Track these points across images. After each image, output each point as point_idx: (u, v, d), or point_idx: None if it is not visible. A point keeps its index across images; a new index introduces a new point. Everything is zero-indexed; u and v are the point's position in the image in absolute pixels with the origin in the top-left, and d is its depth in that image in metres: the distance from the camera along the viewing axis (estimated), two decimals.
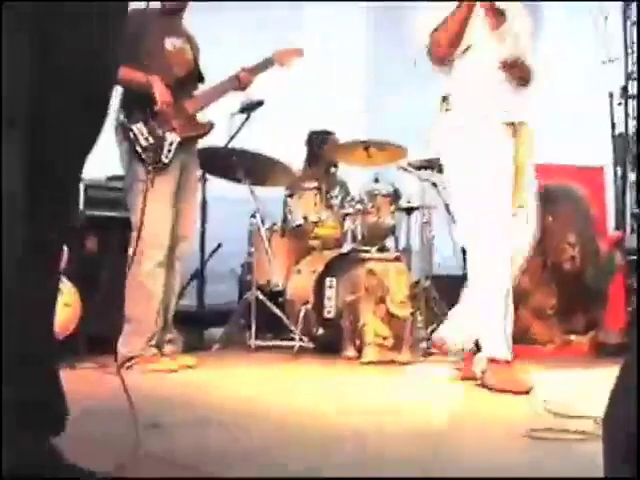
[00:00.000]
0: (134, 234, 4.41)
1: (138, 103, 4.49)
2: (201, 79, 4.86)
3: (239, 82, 4.83)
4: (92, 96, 2.01)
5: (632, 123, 7.38)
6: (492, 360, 3.77)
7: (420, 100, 8.08)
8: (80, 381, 3.67)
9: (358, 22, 8.82)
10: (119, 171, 4.67)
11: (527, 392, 3.51)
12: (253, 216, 5.71)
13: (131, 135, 4.46)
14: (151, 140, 4.49)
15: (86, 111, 2.01)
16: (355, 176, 6.64)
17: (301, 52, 5.07)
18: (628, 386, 1.28)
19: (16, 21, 1.77)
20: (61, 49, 1.90)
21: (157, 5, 4.69)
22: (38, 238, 1.85)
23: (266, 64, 4.92)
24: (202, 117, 4.78)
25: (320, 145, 6.48)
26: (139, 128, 4.48)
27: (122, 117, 4.47)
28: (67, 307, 4.27)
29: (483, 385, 3.75)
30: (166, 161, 4.51)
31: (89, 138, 2.07)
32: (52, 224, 1.99)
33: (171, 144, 4.56)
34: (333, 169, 6.49)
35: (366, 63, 8.92)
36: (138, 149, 4.46)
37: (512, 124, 3.91)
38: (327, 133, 6.58)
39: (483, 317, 3.85)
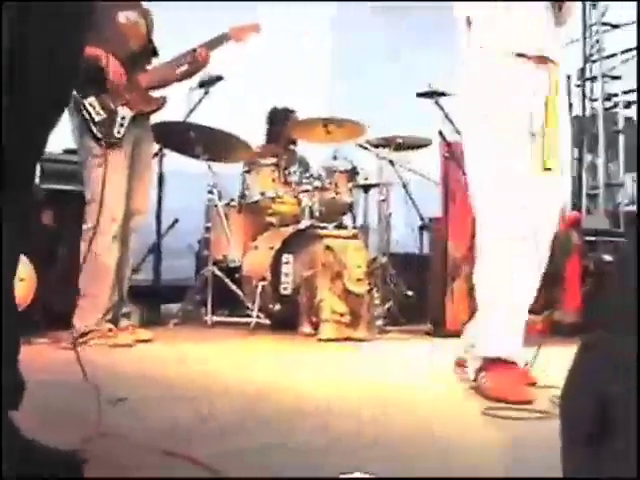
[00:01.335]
0: (88, 208, 4.38)
1: (90, 77, 4.42)
2: (155, 54, 4.80)
3: (195, 57, 4.78)
4: (59, 64, 2.00)
5: (589, 105, 7.47)
6: (488, 359, 3.11)
7: (383, 78, 8.19)
8: (36, 356, 3.64)
9: None
10: (74, 144, 4.63)
11: (529, 402, 2.83)
12: (210, 192, 5.70)
13: (83, 109, 4.41)
14: (103, 114, 4.44)
15: (53, 82, 1.99)
16: (314, 153, 6.63)
17: (258, 28, 5.02)
18: (585, 367, 1.29)
19: None
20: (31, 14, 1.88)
21: None
22: None
23: (222, 39, 4.87)
24: (156, 92, 4.75)
25: (280, 122, 6.47)
26: (91, 102, 4.43)
27: (74, 91, 4.42)
28: (22, 282, 4.24)
29: (476, 391, 3.08)
30: (118, 136, 4.47)
31: (55, 113, 2.06)
32: (12, 196, 1.97)
33: (123, 118, 4.51)
34: (292, 146, 6.48)
35: (331, 42, 8.90)
36: (90, 123, 4.41)
37: (546, 61, 3.21)
38: (288, 110, 6.57)
39: (479, 301, 3.22)
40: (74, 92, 4.38)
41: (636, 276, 1.20)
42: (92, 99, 4.44)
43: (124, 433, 2.22)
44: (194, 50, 4.78)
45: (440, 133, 5.43)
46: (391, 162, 5.89)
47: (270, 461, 2.06)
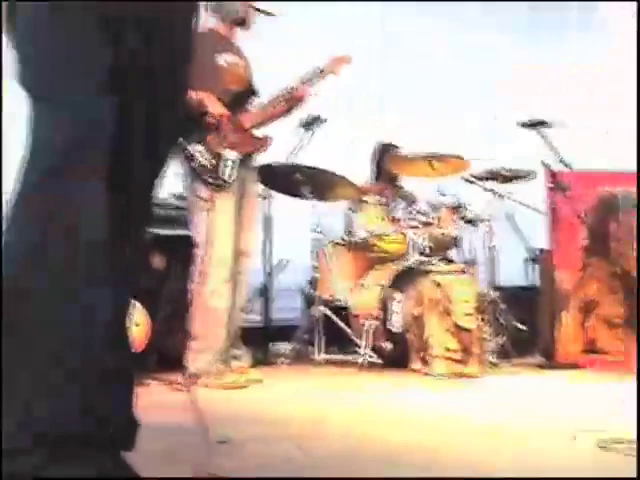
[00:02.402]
0: (197, 251, 4.45)
1: (193, 120, 4.51)
2: (254, 93, 4.87)
3: (293, 95, 4.82)
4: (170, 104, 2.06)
5: None
6: None
7: (484, 109, 8.14)
8: (149, 397, 3.71)
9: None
10: (181, 189, 4.72)
11: None
12: (317, 231, 5.74)
13: (190, 155, 4.50)
14: (210, 159, 4.52)
15: (164, 122, 2.05)
16: (419, 188, 6.62)
17: (349, 59, 5.03)
18: None
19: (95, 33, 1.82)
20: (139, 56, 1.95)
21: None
22: (114, 256, 1.89)
23: (316, 74, 4.88)
24: (260, 132, 4.81)
25: (384, 159, 6.48)
26: (197, 148, 4.52)
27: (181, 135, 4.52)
28: (137, 326, 4.34)
29: None
30: (226, 178, 4.54)
31: (163, 155, 2.12)
32: (129, 241, 2.03)
33: (230, 161, 4.58)
34: (397, 182, 6.48)
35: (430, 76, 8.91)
36: (198, 169, 4.49)
37: None
38: (391, 147, 6.57)
39: None
40: (181, 136, 4.49)
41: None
42: (197, 144, 4.53)
43: (232, 473, 2.24)
44: (292, 87, 4.83)
45: (544, 163, 5.37)
46: (497, 194, 5.83)
47: None
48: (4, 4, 1.90)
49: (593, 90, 7.57)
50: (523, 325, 5.66)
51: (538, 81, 8.28)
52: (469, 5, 8.46)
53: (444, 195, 5.80)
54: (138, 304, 4.34)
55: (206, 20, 4.76)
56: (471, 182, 5.83)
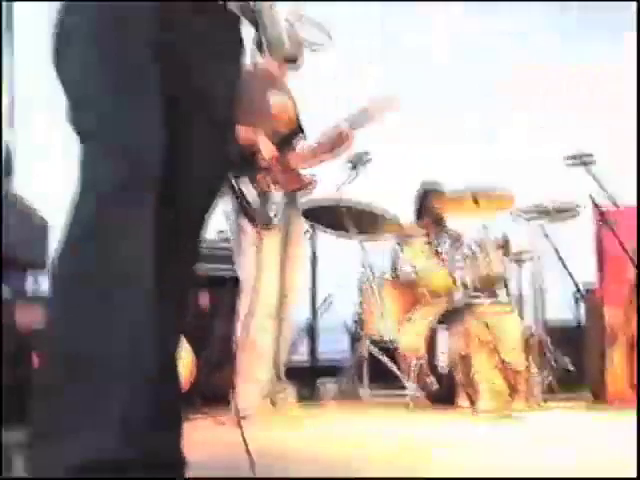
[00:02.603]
0: (242, 289, 4.48)
1: (244, 159, 4.56)
2: (302, 133, 4.92)
3: (340, 136, 4.85)
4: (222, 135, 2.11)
5: None
6: None
7: (529, 142, 8.11)
8: (196, 433, 3.72)
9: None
10: (228, 226, 4.76)
11: None
12: (363, 268, 5.74)
13: (238, 192, 4.54)
14: (257, 197, 4.56)
15: (210, 163, 2.10)
16: (465, 225, 6.60)
17: (397, 102, 5.04)
18: None
19: (150, 55, 1.87)
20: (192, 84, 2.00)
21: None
22: (163, 288, 1.91)
23: (364, 116, 4.91)
24: (305, 171, 4.84)
25: (429, 197, 6.48)
26: (245, 185, 4.56)
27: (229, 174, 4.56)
28: (183, 363, 4.36)
29: None
30: (273, 217, 4.57)
31: (215, 188, 2.15)
32: (178, 276, 2.07)
33: (277, 200, 4.61)
34: (442, 219, 6.48)
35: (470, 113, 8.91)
36: (245, 206, 4.53)
37: None
38: (435, 186, 6.57)
39: None
40: (229, 175, 4.53)
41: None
42: (246, 181, 4.57)
43: None
44: (339, 129, 4.86)
45: (592, 199, 5.34)
46: (543, 230, 5.80)
47: None
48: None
49: None
50: (571, 362, 5.61)
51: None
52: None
53: (489, 232, 5.78)
54: (184, 342, 4.37)
55: (257, 57, 4.81)
56: (516, 218, 5.81)
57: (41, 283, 4.69)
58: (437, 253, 5.76)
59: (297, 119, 4.92)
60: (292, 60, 4.89)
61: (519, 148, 8.03)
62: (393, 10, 8.08)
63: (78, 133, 1.87)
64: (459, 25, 8.40)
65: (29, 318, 3.82)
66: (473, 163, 7.76)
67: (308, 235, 5.70)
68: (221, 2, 2.10)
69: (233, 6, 2.14)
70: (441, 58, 8.41)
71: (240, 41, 2.22)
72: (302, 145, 4.91)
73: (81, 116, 1.89)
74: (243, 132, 4.48)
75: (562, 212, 5.89)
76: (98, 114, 1.84)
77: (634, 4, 6.96)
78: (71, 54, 1.92)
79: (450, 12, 8.38)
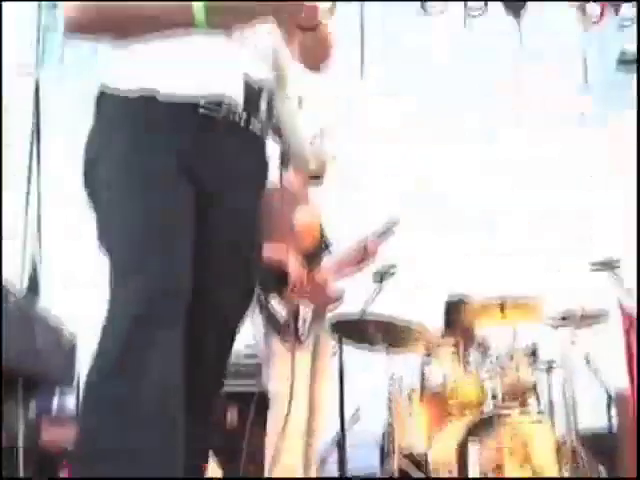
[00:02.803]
0: (271, 406, 4.45)
1: (271, 276, 4.60)
2: (327, 248, 4.96)
3: (366, 250, 4.90)
4: (243, 266, 2.15)
5: None
6: None
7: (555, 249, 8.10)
8: None
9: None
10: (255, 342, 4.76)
11: None
12: (391, 381, 5.71)
13: (266, 309, 4.56)
14: (286, 313, 4.57)
15: (237, 282, 2.14)
16: (492, 334, 6.58)
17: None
18: None
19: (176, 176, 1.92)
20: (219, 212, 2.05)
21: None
22: (190, 405, 1.93)
23: (390, 229, 4.97)
24: (333, 286, 4.87)
25: (457, 308, 6.48)
26: (273, 301, 4.58)
27: (257, 290, 4.58)
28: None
29: None
30: (302, 333, 4.59)
31: (240, 312, 2.19)
32: (205, 393, 2.09)
33: (305, 316, 4.63)
34: (470, 330, 6.46)
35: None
36: (275, 323, 4.55)
37: None
38: (462, 297, 6.58)
39: None
40: (258, 291, 4.56)
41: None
42: (275, 297, 4.59)
43: None
44: (364, 243, 4.90)
45: (619, 304, 5.32)
46: (572, 337, 5.77)
47: None
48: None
49: None
50: (605, 470, 5.50)
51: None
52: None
53: (518, 340, 5.76)
54: (213, 458, 4.34)
55: (281, 177, 4.88)
56: (544, 325, 5.79)
57: (68, 401, 4.70)
58: (466, 363, 5.74)
59: (322, 234, 4.98)
60: (316, 177, 4.97)
61: (547, 258, 8.02)
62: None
63: (110, 256, 1.92)
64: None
65: (55, 436, 3.83)
66: (500, 273, 7.73)
67: (336, 349, 5.69)
68: (244, 124, 2.17)
69: (257, 127, 2.20)
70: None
71: (265, 162, 2.28)
72: (329, 259, 4.94)
73: (111, 239, 1.94)
74: (270, 249, 4.51)
75: (590, 318, 5.86)
76: (129, 240, 1.90)
77: None
78: (101, 180, 1.99)
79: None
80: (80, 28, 2.09)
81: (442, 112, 8.18)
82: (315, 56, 2.34)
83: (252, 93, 2.16)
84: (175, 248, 1.90)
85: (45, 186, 6.90)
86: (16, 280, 6.13)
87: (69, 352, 4.61)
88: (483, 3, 8.18)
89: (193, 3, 1.98)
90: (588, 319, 5.84)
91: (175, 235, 1.91)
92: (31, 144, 6.91)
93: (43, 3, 7.23)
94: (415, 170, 7.53)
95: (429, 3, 8.06)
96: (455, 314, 6.50)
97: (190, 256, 1.92)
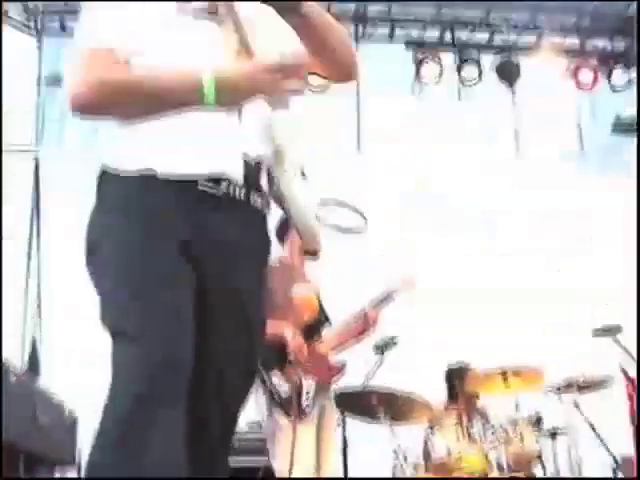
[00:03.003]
0: None
1: (272, 351, 4.59)
2: (328, 321, 4.96)
3: (366, 319, 4.89)
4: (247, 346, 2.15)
5: None
6: None
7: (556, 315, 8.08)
8: None
9: None
10: (258, 418, 4.74)
11: None
12: (395, 453, 5.65)
13: (269, 384, 4.55)
14: (289, 388, 4.56)
15: (239, 362, 2.14)
16: (496, 404, 6.54)
17: (413, 282, 5.10)
18: None
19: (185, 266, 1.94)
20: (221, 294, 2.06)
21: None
22: None
23: (389, 297, 4.97)
24: (335, 358, 4.86)
25: (458, 378, 6.45)
26: (276, 377, 4.57)
27: (259, 367, 4.57)
28: None
29: None
30: (306, 408, 4.57)
31: (244, 392, 2.19)
32: (214, 470, 2.08)
33: (308, 390, 4.62)
34: (474, 400, 6.42)
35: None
36: (276, 398, 4.53)
37: None
38: (464, 366, 6.55)
39: None
40: (259, 367, 4.54)
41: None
42: (277, 373, 4.58)
43: None
44: (363, 311, 4.91)
45: (623, 371, 5.31)
46: (575, 404, 5.74)
47: None
48: None
49: None
50: None
51: None
52: None
53: (521, 409, 5.73)
54: None
55: (278, 253, 4.91)
56: (547, 393, 5.77)
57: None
58: (470, 434, 5.69)
59: (321, 307, 4.98)
60: (313, 253, 4.98)
61: (547, 322, 8.01)
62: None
63: (111, 334, 1.93)
64: None
65: None
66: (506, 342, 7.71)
67: (340, 422, 5.66)
68: (245, 198, 2.17)
69: (258, 202, 2.21)
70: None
71: (267, 236, 2.29)
72: (329, 332, 4.94)
73: (113, 317, 1.95)
74: (270, 325, 4.51)
75: (593, 385, 5.84)
76: (130, 318, 1.91)
77: None
78: (103, 260, 2.01)
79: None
80: (90, 106, 2.10)
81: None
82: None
83: (251, 169, 2.17)
84: (176, 326, 1.90)
85: (45, 263, 6.93)
86: (17, 359, 6.12)
87: (70, 429, 4.59)
88: (477, 73, 8.30)
89: (202, 79, 2.00)
90: (590, 386, 5.82)
91: (176, 314, 1.92)
92: (31, 221, 6.96)
93: (42, 82, 7.31)
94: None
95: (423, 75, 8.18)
96: (457, 382, 6.46)
97: (191, 334, 1.93)
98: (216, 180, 2.10)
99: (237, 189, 2.14)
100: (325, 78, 2.37)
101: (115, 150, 2.15)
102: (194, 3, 2.18)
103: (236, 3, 2.11)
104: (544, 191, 8.39)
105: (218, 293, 2.09)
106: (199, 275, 2.02)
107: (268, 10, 2.11)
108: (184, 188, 2.05)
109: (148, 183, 2.03)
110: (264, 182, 2.22)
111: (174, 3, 2.18)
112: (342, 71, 2.35)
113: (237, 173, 2.13)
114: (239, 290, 2.14)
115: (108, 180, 2.13)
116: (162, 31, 2.14)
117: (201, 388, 1.99)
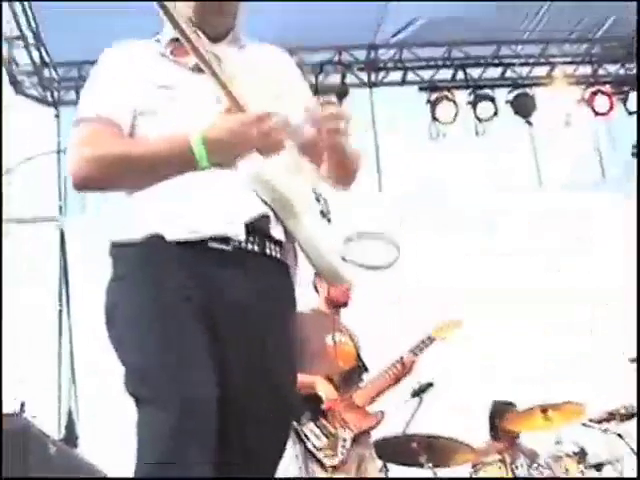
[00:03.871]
0: None
1: (306, 403, 4.56)
2: (365, 369, 4.92)
3: (403, 365, 4.86)
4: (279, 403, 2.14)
5: None
6: None
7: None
8: None
9: None
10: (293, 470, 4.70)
11: None
12: None
13: (303, 436, 4.51)
14: (324, 439, 4.52)
15: (270, 421, 2.12)
16: (538, 440, 6.46)
17: (460, 324, 5.08)
18: None
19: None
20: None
21: None
22: None
23: (426, 343, 4.95)
24: (372, 408, 4.81)
25: (500, 416, 6.38)
26: (310, 428, 4.53)
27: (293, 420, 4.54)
28: None
29: None
30: (342, 458, 4.52)
31: (277, 452, 2.17)
32: None
33: (345, 440, 4.57)
34: (516, 438, 6.35)
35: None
36: (312, 449, 4.49)
37: None
38: (506, 404, 6.49)
39: None
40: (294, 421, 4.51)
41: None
42: (311, 424, 4.55)
43: None
44: (401, 358, 4.87)
45: None
46: (619, 434, 5.65)
47: None
48: None
49: None
50: None
51: None
52: None
53: (561, 443, 5.65)
54: None
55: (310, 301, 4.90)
56: (589, 426, 5.69)
57: None
58: (514, 475, 5.61)
59: (357, 355, 4.94)
60: (343, 304, 4.96)
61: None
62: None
63: (134, 398, 1.93)
64: None
65: None
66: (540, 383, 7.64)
67: (383, 473, 5.60)
68: (259, 249, 2.16)
69: (275, 251, 2.19)
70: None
71: (290, 283, 2.27)
72: (366, 380, 4.91)
73: (134, 383, 1.95)
74: (303, 377, 4.50)
75: (634, 413, 5.76)
76: (150, 382, 1.90)
77: None
78: (120, 325, 2.01)
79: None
80: (91, 182, 2.12)
81: None
82: None
83: (258, 221, 2.15)
84: (197, 386, 1.90)
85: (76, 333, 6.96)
86: (54, 429, 6.13)
87: None
88: (493, 109, 8.29)
89: (191, 142, 2.00)
90: (633, 415, 5.74)
91: (190, 375, 1.91)
92: (59, 294, 6.99)
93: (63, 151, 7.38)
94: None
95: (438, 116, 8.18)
96: (498, 420, 6.40)
97: (213, 391, 1.92)
98: (224, 239, 2.10)
99: (248, 242, 2.13)
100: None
101: (122, 221, 2.18)
102: (183, 60, 2.21)
103: (224, 61, 2.12)
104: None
105: (236, 354, 2.07)
106: (213, 332, 2.02)
107: (255, 67, 2.16)
108: (194, 248, 2.06)
109: (158, 245, 2.04)
110: (277, 232, 2.20)
111: (163, 70, 2.22)
112: (345, 182, 2.39)
113: (238, 232, 2.12)
114: (261, 346, 2.12)
115: (119, 249, 2.14)
116: (159, 91, 2.17)
117: (230, 454, 1.98)
